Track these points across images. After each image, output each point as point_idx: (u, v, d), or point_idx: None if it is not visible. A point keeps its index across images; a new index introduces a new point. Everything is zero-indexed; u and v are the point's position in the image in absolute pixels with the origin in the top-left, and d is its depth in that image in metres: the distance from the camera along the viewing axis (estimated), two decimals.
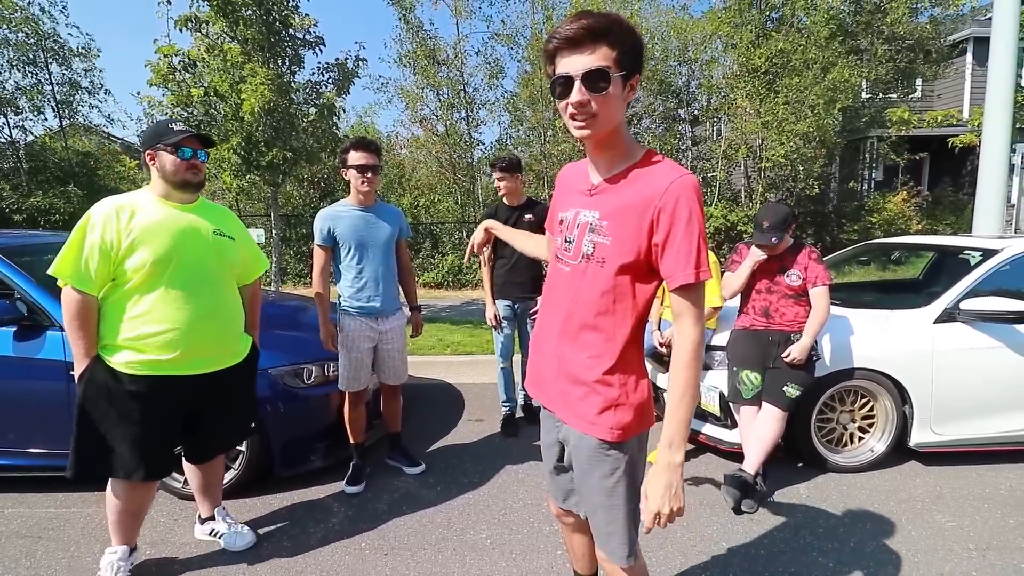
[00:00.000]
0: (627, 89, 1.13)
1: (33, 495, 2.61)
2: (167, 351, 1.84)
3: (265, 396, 2.57)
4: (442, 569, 2.12)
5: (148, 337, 1.82)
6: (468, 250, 1.80)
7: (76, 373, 1.82)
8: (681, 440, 1.14)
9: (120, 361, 1.81)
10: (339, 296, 2.70)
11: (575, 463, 1.34)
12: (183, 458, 2.21)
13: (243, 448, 2.57)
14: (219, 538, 2.25)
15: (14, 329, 2.43)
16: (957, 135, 10.89)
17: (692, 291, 1.13)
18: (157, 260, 1.80)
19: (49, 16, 11.89)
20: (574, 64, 1.08)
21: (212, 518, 2.28)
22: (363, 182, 2.57)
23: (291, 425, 2.67)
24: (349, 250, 2.62)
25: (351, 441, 2.76)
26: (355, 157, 2.56)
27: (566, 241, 1.28)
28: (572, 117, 1.12)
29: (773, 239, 2.59)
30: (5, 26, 11.33)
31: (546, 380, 1.36)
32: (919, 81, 12.84)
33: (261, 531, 2.36)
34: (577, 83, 1.08)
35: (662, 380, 3.13)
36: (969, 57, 13.44)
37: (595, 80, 1.06)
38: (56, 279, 1.77)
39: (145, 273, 1.79)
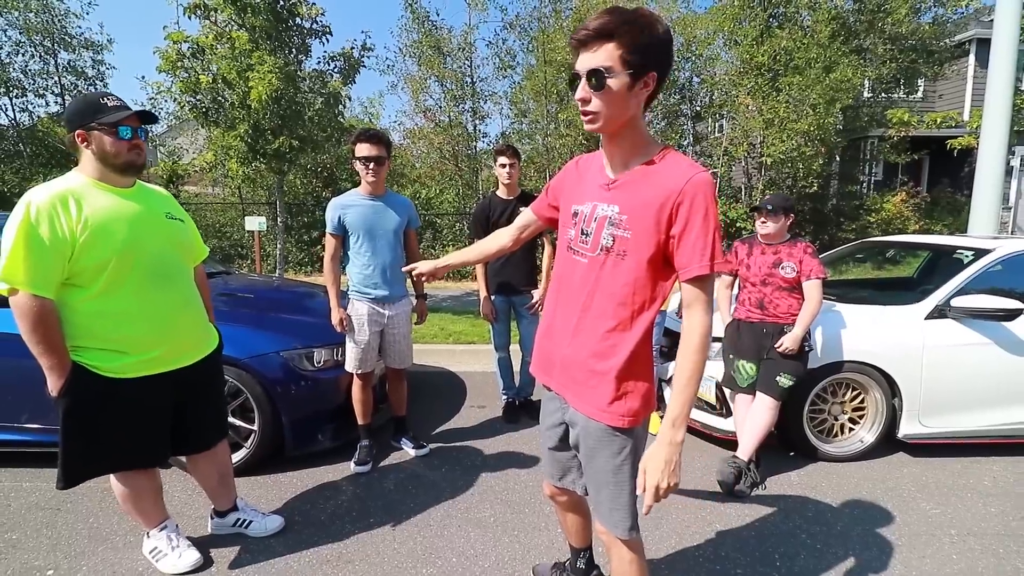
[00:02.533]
0: (640, 86, 1.16)
1: (49, 469, 2.64)
2: (152, 348, 1.76)
3: (277, 378, 2.66)
4: (448, 543, 2.22)
5: (130, 337, 1.71)
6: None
7: (54, 390, 1.64)
8: (683, 420, 1.21)
9: (104, 366, 1.69)
10: (348, 282, 2.78)
11: (582, 444, 1.39)
12: (186, 459, 2.12)
13: (255, 428, 2.66)
14: (246, 527, 2.22)
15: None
16: (956, 137, 10.94)
17: (705, 281, 1.20)
18: (121, 254, 1.66)
19: (67, 10, 11.90)
20: (582, 62, 1.16)
21: (234, 508, 2.24)
22: (368, 173, 2.66)
23: (301, 406, 2.75)
24: (358, 238, 2.71)
25: (359, 422, 2.85)
26: (360, 149, 2.65)
27: (583, 234, 1.32)
28: (581, 113, 1.21)
29: (768, 206, 2.74)
30: (15, 10, 11.33)
31: (555, 366, 1.41)
32: (921, 81, 12.87)
33: (273, 506, 2.45)
34: (581, 81, 1.16)
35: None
36: (972, 59, 13.47)
37: (596, 78, 1.13)
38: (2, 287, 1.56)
39: (111, 270, 1.65)
